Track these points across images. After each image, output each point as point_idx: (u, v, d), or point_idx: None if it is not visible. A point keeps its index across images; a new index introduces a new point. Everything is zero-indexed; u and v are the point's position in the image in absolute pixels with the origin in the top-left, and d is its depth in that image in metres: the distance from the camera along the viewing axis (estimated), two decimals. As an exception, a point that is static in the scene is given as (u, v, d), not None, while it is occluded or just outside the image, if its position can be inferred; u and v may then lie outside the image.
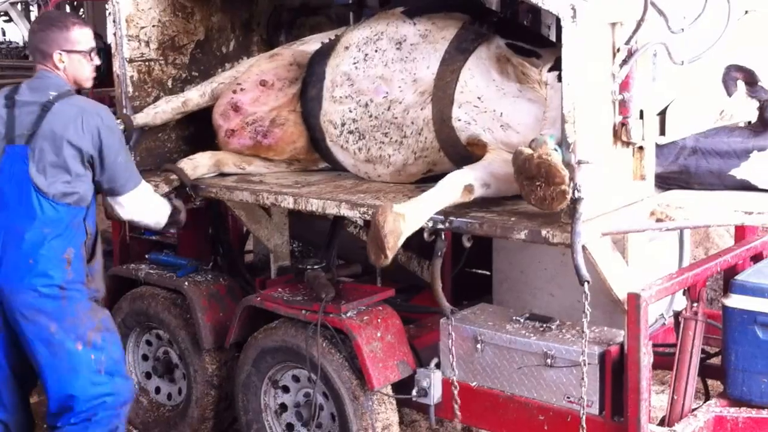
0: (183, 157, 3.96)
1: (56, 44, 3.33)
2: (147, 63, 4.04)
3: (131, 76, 4.00)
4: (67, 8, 12.81)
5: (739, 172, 3.13)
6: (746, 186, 3.13)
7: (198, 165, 3.89)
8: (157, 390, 4.33)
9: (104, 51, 4.53)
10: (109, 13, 3.95)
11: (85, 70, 3.40)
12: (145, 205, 3.57)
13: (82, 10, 13.34)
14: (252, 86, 3.89)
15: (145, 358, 4.35)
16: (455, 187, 3.04)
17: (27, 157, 3.23)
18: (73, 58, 3.36)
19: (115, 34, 3.95)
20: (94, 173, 3.33)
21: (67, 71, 3.36)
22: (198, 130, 4.12)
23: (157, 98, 4.07)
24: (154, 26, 4.03)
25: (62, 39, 3.33)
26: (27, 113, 3.27)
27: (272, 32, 4.39)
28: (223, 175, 3.94)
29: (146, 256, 4.38)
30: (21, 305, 3.27)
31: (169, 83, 4.13)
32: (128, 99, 4.00)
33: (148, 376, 4.35)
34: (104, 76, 4.46)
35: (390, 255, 2.90)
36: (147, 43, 4.02)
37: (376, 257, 2.94)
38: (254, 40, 4.37)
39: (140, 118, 3.97)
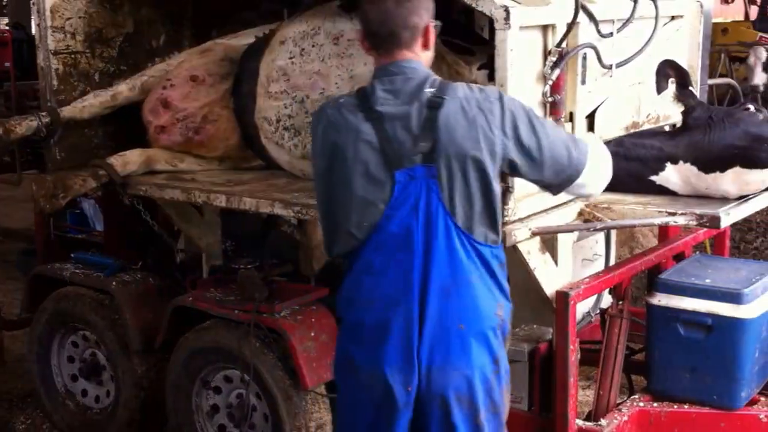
0: (110, 154, 3.85)
1: (428, 12, 2.31)
2: (73, 55, 3.92)
3: (56, 69, 3.87)
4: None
5: (658, 179, 3.21)
6: (664, 192, 3.21)
7: (128, 162, 3.80)
8: (84, 393, 4.22)
9: (27, 42, 4.40)
10: (33, 3, 3.83)
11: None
12: (603, 162, 2.58)
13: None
14: (182, 82, 3.82)
15: (71, 360, 4.24)
16: None
17: (435, 181, 2.26)
18: (434, 30, 2.37)
19: (39, 25, 3.83)
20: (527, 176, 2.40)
21: (429, 51, 2.37)
22: (127, 125, 4.02)
23: (83, 92, 3.95)
24: (80, 17, 3.91)
25: (429, 3, 2.33)
26: (405, 124, 2.27)
27: (204, 26, 4.32)
28: (154, 172, 3.86)
29: (71, 255, 4.27)
30: (449, 388, 2.31)
31: (96, 77, 4.01)
32: (53, 92, 3.88)
33: (74, 378, 4.24)
34: (28, 67, 4.34)
35: (318, 266, 2.89)
36: (73, 35, 3.90)
37: (306, 268, 2.93)
38: (185, 34, 4.29)
39: (67, 112, 3.85)
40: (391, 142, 2.25)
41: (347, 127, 2.30)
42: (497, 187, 2.30)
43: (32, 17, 3.86)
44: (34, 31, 3.92)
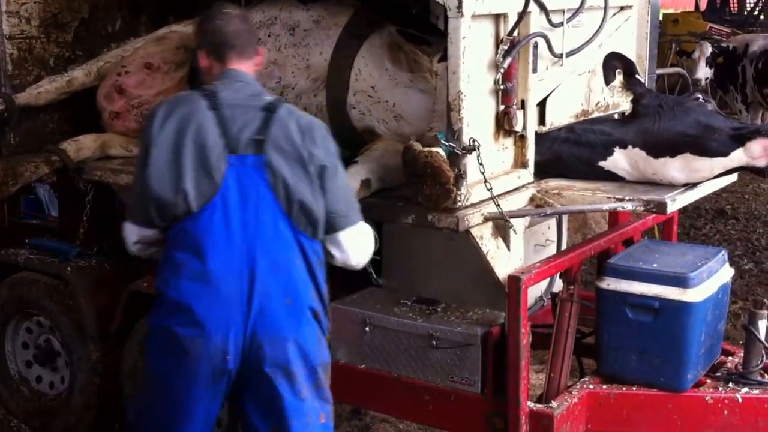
0: (66, 139, 3.82)
1: (256, 34, 2.81)
2: (28, 40, 3.88)
3: (11, 54, 3.83)
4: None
5: (606, 164, 3.26)
6: (613, 177, 3.26)
7: (82, 147, 3.78)
8: (39, 379, 4.19)
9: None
10: (-13, -13, 3.78)
11: None
12: (368, 245, 2.76)
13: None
14: (137, 69, 3.80)
15: (25, 346, 4.20)
16: (353, 183, 3.04)
17: (265, 170, 2.51)
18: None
19: (-9, 11, 3.79)
20: None
21: (255, 73, 2.72)
22: (82, 110, 3.98)
23: (38, 77, 3.92)
24: (35, 2, 3.87)
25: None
26: (242, 118, 2.54)
27: (161, 12, 4.29)
28: (109, 157, 3.83)
29: (26, 241, 4.23)
30: (274, 359, 2.51)
31: (52, 62, 3.97)
32: (7, 78, 3.84)
33: (28, 364, 4.20)
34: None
35: None
36: (28, 20, 3.86)
37: None
38: (142, 20, 4.26)
39: (23, 98, 3.82)
40: (228, 131, 2.50)
41: (191, 112, 2.53)
42: (316, 190, 2.54)
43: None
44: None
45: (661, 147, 3.16)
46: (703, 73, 8.86)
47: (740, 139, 3.12)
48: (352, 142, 3.40)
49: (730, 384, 3.22)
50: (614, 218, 3.73)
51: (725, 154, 3.11)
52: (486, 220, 2.96)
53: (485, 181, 2.88)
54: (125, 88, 3.79)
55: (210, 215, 2.47)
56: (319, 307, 2.61)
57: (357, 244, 2.69)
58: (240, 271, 2.46)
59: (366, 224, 2.72)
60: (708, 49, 8.91)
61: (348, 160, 3.21)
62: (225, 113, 2.52)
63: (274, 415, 2.51)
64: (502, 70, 2.90)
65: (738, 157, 3.12)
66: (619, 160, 3.23)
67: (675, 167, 3.16)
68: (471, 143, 2.84)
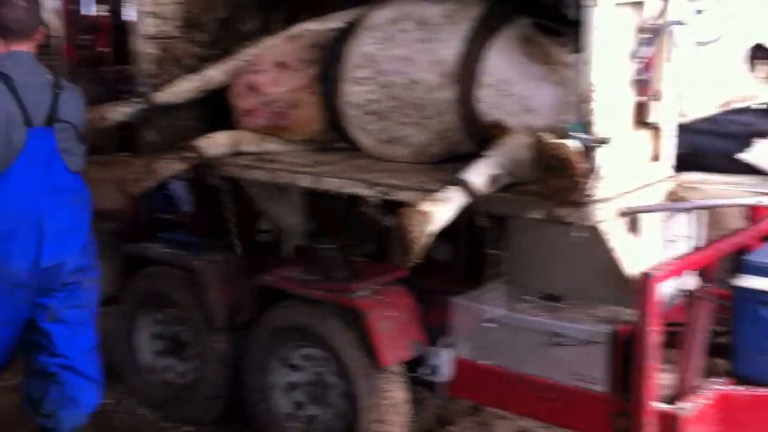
0: (196, 135, 3.93)
1: (39, 18, 3.39)
2: (167, 40, 4.03)
3: (151, 54, 3.99)
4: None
5: (747, 157, 3.15)
6: (753, 170, 3.14)
7: (216, 143, 3.88)
8: (168, 368, 4.31)
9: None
10: (130, -11, 3.97)
11: None
12: None
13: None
14: (270, 67, 3.88)
15: (157, 336, 4.35)
16: (481, 179, 3.03)
17: (54, 137, 3.28)
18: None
19: (137, 11, 3.96)
20: None
21: (34, 48, 3.36)
22: (212, 108, 4.11)
23: (176, 76, 4.05)
24: (175, 3, 4.03)
25: (39, 12, 3.41)
26: (36, 98, 3.24)
27: (293, 10, 4.39)
28: (239, 153, 3.93)
29: (159, 235, 4.39)
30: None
31: (189, 61, 4.12)
32: (147, 77, 4.01)
33: (159, 354, 4.34)
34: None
35: (416, 258, 2.89)
36: (168, 21, 4.02)
37: (402, 260, 2.93)
38: (275, 19, 4.36)
39: (162, 97, 3.97)
40: (26, 109, 3.20)
41: None
42: (82, 144, 3.38)
43: (123, 3, 3.99)
44: (130, 16, 4.04)
45: None
46: None
47: None
48: (480, 137, 3.40)
49: None
50: (753, 214, 3.58)
51: None
52: (619, 215, 2.90)
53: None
54: (257, 86, 3.88)
55: (15, 169, 3.21)
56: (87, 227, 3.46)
57: None
58: (35, 210, 3.23)
59: None
60: None
61: (475, 155, 3.24)
62: (22, 95, 3.19)
63: None
64: (638, 61, 2.84)
65: None
66: (761, 152, 3.12)
67: None
68: (603, 136, 2.80)
